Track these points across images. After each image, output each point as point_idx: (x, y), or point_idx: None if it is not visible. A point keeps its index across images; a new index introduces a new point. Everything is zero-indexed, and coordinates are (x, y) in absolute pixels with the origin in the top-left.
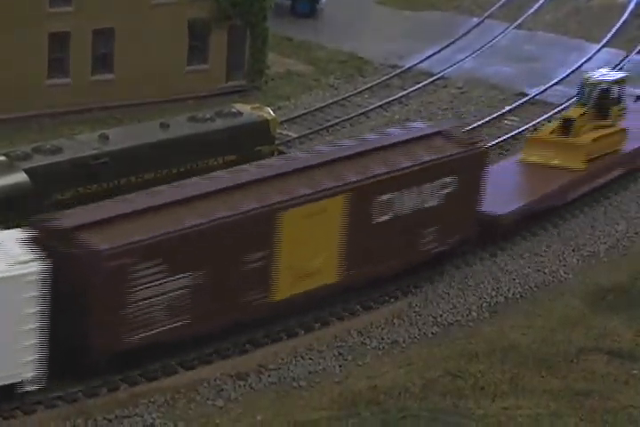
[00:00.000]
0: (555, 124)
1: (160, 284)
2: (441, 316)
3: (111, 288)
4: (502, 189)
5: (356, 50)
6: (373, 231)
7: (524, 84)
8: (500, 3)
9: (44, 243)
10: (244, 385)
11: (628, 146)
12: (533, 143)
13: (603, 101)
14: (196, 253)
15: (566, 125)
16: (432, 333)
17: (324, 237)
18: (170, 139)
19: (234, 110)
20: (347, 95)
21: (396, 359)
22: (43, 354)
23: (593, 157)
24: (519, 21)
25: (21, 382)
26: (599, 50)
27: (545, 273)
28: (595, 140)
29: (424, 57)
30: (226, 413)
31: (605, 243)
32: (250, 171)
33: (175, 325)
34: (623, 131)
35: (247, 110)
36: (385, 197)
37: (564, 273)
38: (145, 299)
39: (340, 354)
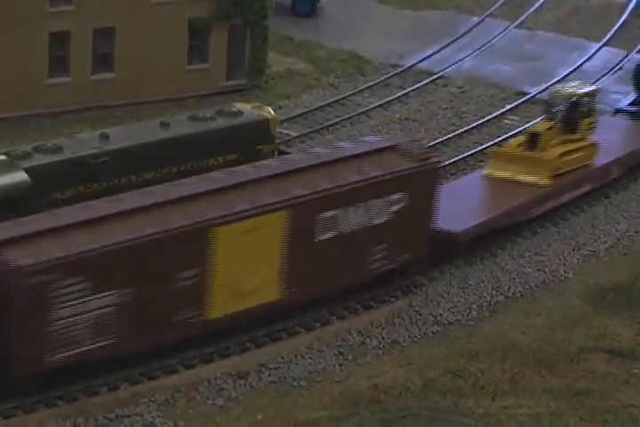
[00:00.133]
0: (522, 137)
1: (84, 301)
2: (441, 315)
3: (32, 305)
4: (463, 205)
5: (357, 49)
6: (316, 249)
7: (525, 84)
8: (501, 2)
9: None
10: (245, 384)
11: (599, 160)
12: (499, 157)
13: (571, 115)
14: (122, 270)
15: (533, 139)
16: (432, 332)
17: (263, 255)
18: (170, 138)
19: (234, 109)
20: (347, 94)
21: (397, 359)
22: None
23: (560, 173)
24: (519, 20)
25: None
26: (599, 49)
27: (545, 272)
28: (562, 154)
29: (424, 56)
30: (226, 412)
31: (606, 242)
32: (187, 185)
33: (101, 344)
34: (593, 145)
35: (247, 109)
36: (329, 213)
37: (565, 272)
38: (68, 317)
39: (340, 353)
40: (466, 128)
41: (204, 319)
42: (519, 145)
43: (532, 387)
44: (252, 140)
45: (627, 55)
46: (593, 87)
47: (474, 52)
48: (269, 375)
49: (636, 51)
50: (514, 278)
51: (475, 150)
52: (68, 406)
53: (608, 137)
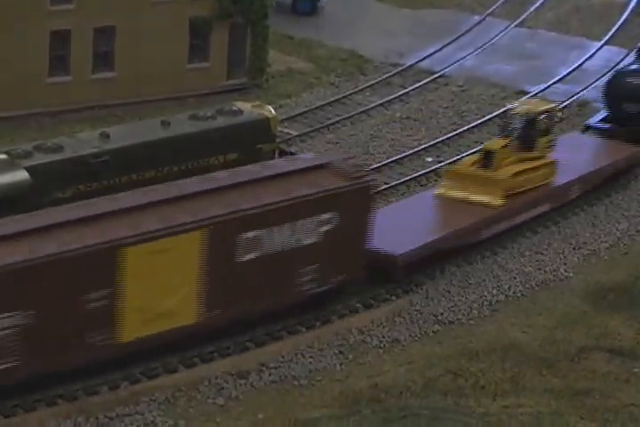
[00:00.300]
0: (476, 155)
1: None
2: (442, 314)
3: None
4: (408, 226)
5: (357, 48)
6: (238, 270)
7: (525, 83)
8: (502, 0)
9: None
10: (245, 384)
11: (559, 179)
12: (452, 176)
13: (528, 133)
14: (24, 291)
15: (487, 158)
16: (433, 331)
17: (179, 276)
18: (171, 137)
19: (235, 108)
20: (347, 93)
21: (397, 358)
22: None
23: (515, 192)
24: (520, 19)
25: None
26: (600, 48)
27: (546, 272)
28: (516, 173)
29: (425, 55)
30: (226, 411)
31: (606, 241)
32: (101, 204)
33: (1, 367)
34: (553, 163)
35: (248, 108)
36: (251, 233)
37: (565, 272)
38: None
39: (340, 352)
40: (466, 127)
41: (115, 343)
42: (474, 163)
43: (532, 386)
44: (253, 139)
45: (627, 54)
46: (552, 104)
47: (475, 50)
48: (270, 374)
49: (636, 50)
50: (514, 278)
51: (475, 149)
52: (68, 405)
53: (573, 155)
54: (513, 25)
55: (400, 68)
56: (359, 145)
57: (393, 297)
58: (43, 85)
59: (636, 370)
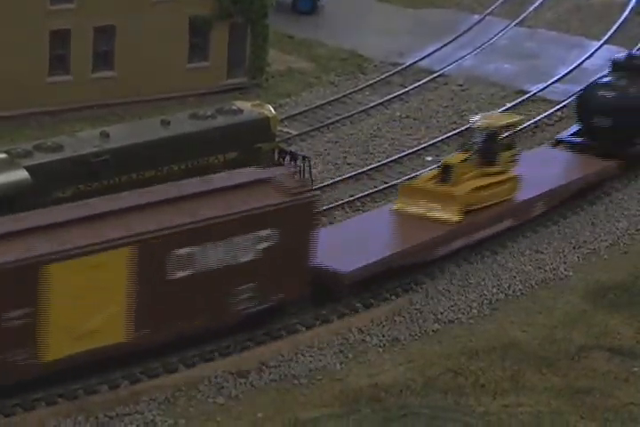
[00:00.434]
0: (435, 170)
1: None
2: (442, 313)
3: None
4: (359, 243)
5: (357, 47)
6: (169, 288)
7: (525, 82)
8: (501, 0)
9: None
10: (245, 383)
11: (521, 195)
12: (408, 191)
13: (489, 147)
14: None
15: (445, 172)
16: (433, 330)
17: (107, 294)
18: (171, 136)
19: (234, 108)
20: (347, 92)
21: (397, 357)
22: None
23: (474, 208)
24: (520, 19)
25: None
26: (600, 47)
27: (545, 270)
28: (475, 189)
29: (425, 54)
30: (226, 410)
31: (606, 240)
32: (25, 219)
33: None
34: (515, 178)
35: (248, 108)
36: (183, 250)
37: (565, 270)
38: None
39: (340, 351)
40: (466, 126)
41: (38, 362)
42: (432, 178)
43: (532, 385)
44: (253, 139)
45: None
46: (516, 118)
47: (474, 50)
48: (270, 374)
49: (636, 49)
50: (514, 277)
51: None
52: (68, 405)
53: (542, 169)
54: (512, 24)
55: (400, 68)
56: (359, 144)
57: (392, 296)
58: (43, 85)
59: (635, 369)
